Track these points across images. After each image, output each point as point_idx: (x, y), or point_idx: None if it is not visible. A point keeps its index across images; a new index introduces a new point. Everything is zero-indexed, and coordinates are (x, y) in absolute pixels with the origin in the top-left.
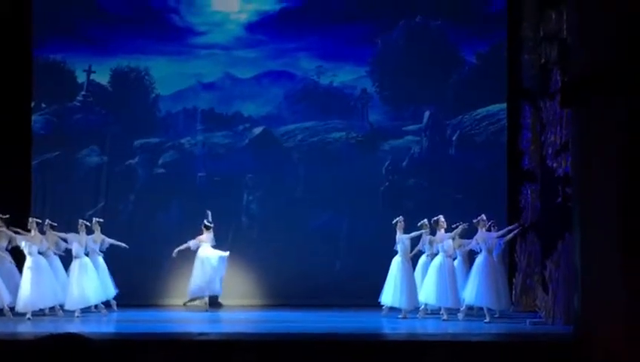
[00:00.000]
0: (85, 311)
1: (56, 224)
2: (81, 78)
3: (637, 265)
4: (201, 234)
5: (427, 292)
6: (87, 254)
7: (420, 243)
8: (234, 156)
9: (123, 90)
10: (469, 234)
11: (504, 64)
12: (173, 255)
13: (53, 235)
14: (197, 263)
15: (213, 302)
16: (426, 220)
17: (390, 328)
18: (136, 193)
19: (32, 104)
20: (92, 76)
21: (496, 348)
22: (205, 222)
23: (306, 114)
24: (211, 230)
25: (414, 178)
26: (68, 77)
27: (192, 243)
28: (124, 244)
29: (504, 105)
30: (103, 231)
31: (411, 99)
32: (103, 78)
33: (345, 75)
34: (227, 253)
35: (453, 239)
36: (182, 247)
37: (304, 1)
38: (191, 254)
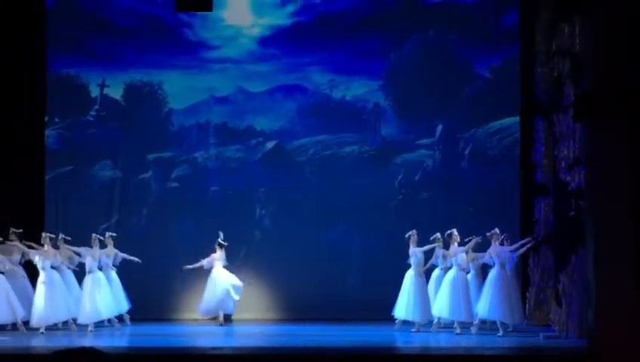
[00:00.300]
0: (99, 325)
1: (69, 238)
2: (95, 92)
3: None
4: (214, 252)
5: (440, 305)
6: (100, 269)
7: (433, 257)
8: (247, 170)
9: (136, 104)
10: (482, 247)
11: (517, 78)
12: (182, 270)
13: (67, 250)
14: (210, 283)
15: (226, 319)
16: (438, 234)
17: (403, 342)
18: (149, 207)
19: (46, 119)
20: (105, 90)
21: None
22: (219, 240)
23: (319, 128)
24: (224, 249)
25: (427, 192)
26: (81, 91)
27: (205, 262)
28: (137, 259)
29: (517, 119)
30: (116, 245)
31: (424, 112)
32: (116, 92)
33: (357, 89)
34: (241, 284)
35: (467, 253)
36: (195, 266)
37: (316, 15)
38: (204, 269)
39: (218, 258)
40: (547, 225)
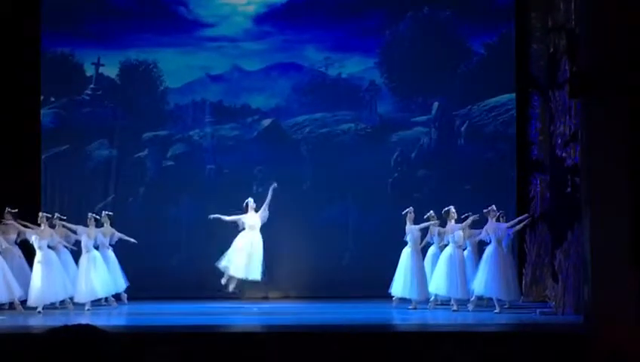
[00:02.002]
0: (96, 304)
1: (65, 217)
2: (90, 71)
3: None
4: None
5: (437, 283)
6: (97, 248)
7: (429, 234)
8: (243, 148)
9: (131, 83)
10: (478, 224)
11: (512, 54)
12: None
13: (62, 228)
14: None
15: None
16: (432, 212)
17: (400, 319)
18: (145, 186)
19: (41, 98)
20: (100, 69)
21: (507, 338)
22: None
23: (315, 106)
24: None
25: (423, 169)
26: (76, 70)
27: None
28: (133, 240)
29: (513, 96)
30: (112, 224)
31: (420, 90)
32: (111, 71)
33: (353, 67)
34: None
35: (463, 230)
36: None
37: None
38: (200, 246)
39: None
40: (543, 202)
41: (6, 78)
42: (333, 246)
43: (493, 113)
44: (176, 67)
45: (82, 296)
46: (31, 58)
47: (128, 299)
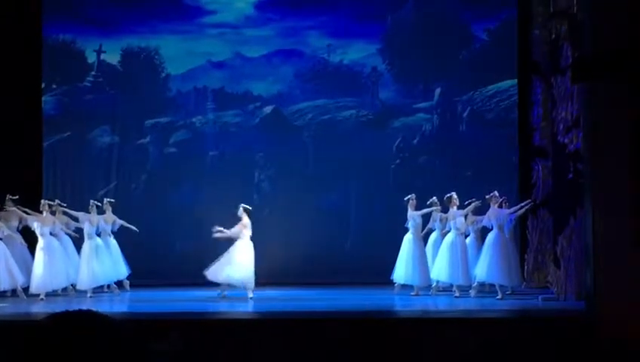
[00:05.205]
0: (98, 291)
1: (65, 204)
2: (92, 58)
3: None
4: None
5: (439, 269)
6: (99, 235)
7: (431, 220)
8: (245, 135)
9: (133, 69)
10: (481, 210)
11: (515, 40)
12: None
13: (63, 215)
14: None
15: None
16: (435, 198)
17: (402, 305)
18: (147, 173)
19: (43, 85)
20: (102, 56)
21: (509, 325)
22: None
23: (317, 92)
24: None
25: (425, 155)
26: (78, 57)
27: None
28: (134, 228)
29: (515, 82)
30: (115, 211)
31: (422, 76)
32: (113, 58)
33: (355, 53)
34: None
35: (466, 216)
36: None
37: None
38: (203, 232)
39: (247, 225)
40: (545, 188)
41: (8, 65)
42: (335, 232)
43: (495, 99)
44: (178, 54)
45: (84, 283)
46: (33, 45)
47: (130, 286)
